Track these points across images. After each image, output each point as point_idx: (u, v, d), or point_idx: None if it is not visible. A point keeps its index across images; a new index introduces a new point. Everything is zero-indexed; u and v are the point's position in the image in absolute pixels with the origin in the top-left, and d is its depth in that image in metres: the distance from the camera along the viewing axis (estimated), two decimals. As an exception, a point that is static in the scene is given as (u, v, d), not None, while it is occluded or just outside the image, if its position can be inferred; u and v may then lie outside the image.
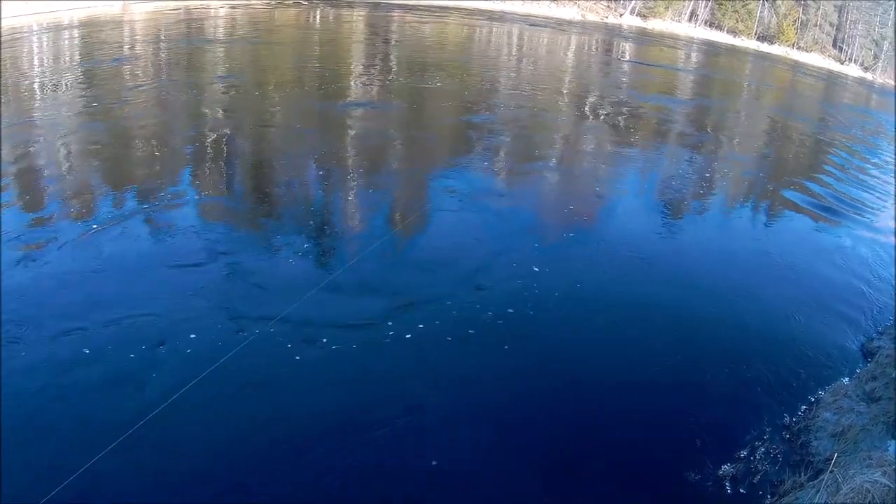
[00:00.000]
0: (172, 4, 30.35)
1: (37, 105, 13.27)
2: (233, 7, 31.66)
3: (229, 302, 6.68)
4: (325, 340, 6.20)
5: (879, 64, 57.00)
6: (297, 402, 5.52)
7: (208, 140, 11.86)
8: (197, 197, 9.37)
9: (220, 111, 13.89)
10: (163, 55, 20.23)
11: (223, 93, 15.45)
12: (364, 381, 5.85)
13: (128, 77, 16.21)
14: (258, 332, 6.11)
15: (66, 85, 14.88)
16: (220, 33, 25.44)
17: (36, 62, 17.40)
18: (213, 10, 30.25)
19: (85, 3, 27.28)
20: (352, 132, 13.60)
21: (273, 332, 6.16)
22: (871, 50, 58.88)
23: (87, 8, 27.04)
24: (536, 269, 8.00)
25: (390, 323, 6.58)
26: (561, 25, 41.20)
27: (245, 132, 12.62)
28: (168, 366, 5.61)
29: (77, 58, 18.61)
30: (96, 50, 19.78)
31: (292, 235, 8.32)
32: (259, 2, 34.25)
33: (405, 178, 11.28)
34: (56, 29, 22.79)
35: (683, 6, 53.15)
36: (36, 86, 14.60)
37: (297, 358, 5.94)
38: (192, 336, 6.02)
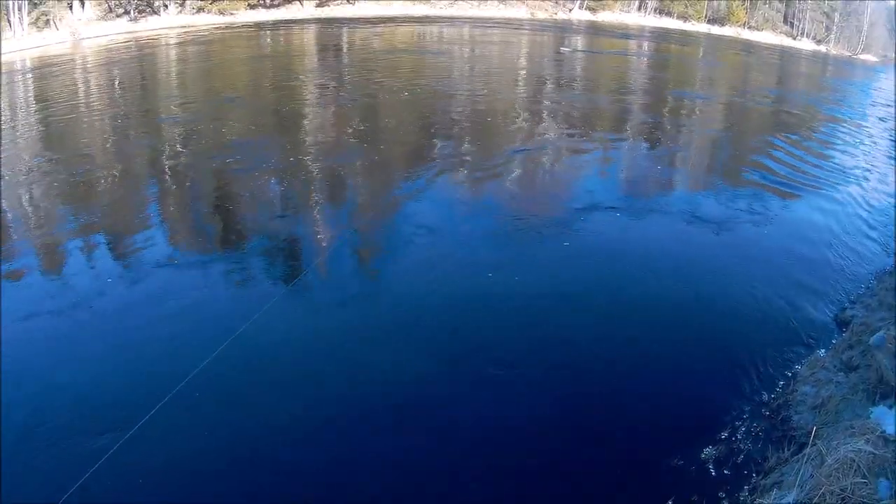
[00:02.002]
0: (122, 37, 29.94)
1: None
2: (183, 34, 31.20)
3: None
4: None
5: (832, 36, 57.88)
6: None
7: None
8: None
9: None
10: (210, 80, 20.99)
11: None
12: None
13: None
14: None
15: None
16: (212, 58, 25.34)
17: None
18: (164, 39, 29.81)
19: (34, 41, 27.17)
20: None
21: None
22: (822, 23, 59.71)
23: (39, 47, 26.79)
24: (502, 265, 8.04)
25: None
26: (511, 25, 41.36)
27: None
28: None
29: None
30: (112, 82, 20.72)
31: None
32: (204, 26, 33.78)
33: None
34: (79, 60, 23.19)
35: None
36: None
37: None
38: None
